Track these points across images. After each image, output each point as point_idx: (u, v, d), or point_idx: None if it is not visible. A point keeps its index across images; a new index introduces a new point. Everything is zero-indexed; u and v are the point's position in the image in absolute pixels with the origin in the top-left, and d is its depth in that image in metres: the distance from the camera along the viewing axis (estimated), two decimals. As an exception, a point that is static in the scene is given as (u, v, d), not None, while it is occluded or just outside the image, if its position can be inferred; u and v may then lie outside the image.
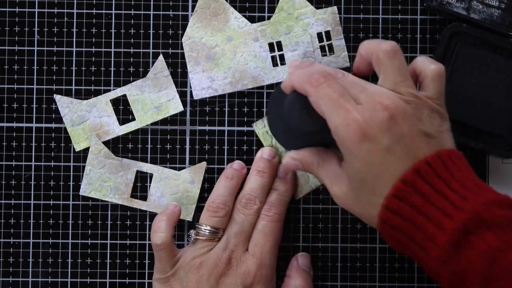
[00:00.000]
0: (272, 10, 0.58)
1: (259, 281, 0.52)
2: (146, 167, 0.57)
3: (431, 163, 0.43)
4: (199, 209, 0.57)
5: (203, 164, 0.57)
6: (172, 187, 0.57)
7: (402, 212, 0.43)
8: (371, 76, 0.54)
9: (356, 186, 0.46)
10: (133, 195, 0.57)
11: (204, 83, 0.57)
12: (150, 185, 0.57)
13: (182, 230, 0.58)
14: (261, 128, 0.57)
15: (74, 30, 0.58)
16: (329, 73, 0.46)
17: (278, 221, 0.54)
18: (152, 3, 0.58)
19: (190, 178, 0.57)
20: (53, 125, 0.58)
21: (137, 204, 0.57)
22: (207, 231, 0.53)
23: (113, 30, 0.58)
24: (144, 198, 0.57)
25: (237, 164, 0.57)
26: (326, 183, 0.49)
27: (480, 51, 0.55)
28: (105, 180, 0.57)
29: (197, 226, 0.54)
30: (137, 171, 0.57)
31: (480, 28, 0.55)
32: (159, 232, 0.53)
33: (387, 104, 0.44)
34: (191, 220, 0.57)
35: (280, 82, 0.53)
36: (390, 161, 0.43)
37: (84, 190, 0.57)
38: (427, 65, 0.48)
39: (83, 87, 0.58)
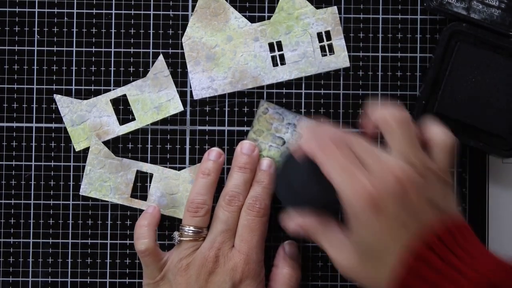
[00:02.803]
0: (272, 10, 0.58)
1: (247, 276, 0.52)
2: (146, 167, 0.57)
3: (442, 238, 0.43)
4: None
5: (203, 164, 0.57)
6: (172, 187, 0.57)
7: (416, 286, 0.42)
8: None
9: (361, 254, 0.45)
10: (133, 195, 0.57)
11: (204, 83, 0.57)
12: (150, 185, 0.57)
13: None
14: (262, 110, 0.57)
15: (74, 30, 0.58)
16: (341, 140, 0.46)
17: (264, 216, 0.54)
18: (152, 3, 0.58)
19: (190, 178, 0.57)
20: (53, 125, 0.58)
21: (137, 204, 0.57)
22: (191, 231, 0.53)
23: (113, 30, 0.58)
24: (144, 198, 0.57)
25: (214, 153, 0.56)
26: (329, 251, 0.48)
27: (480, 50, 0.55)
28: (105, 180, 0.57)
29: (181, 228, 0.54)
30: (137, 171, 0.57)
31: (480, 28, 0.55)
32: (142, 239, 0.54)
33: (398, 175, 0.44)
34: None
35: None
36: (397, 229, 0.43)
37: (84, 190, 0.57)
38: (439, 135, 0.47)
39: (83, 87, 0.58)
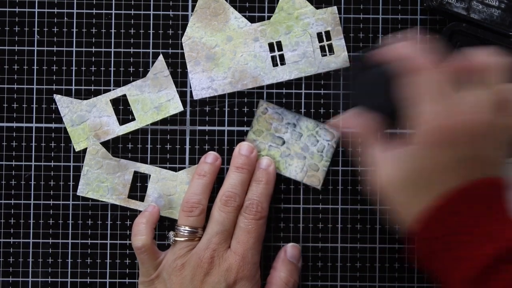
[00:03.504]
0: (272, 10, 0.58)
1: (242, 277, 0.52)
2: (144, 167, 0.57)
3: (489, 187, 0.43)
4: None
5: (202, 165, 0.57)
6: (170, 188, 0.57)
7: (447, 222, 0.43)
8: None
9: (412, 177, 0.45)
10: (132, 196, 0.57)
11: (204, 83, 0.57)
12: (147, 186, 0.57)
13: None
14: (261, 109, 0.57)
15: (74, 30, 0.58)
16: (440, 63, 0.45)
17: (261, 218, 0.54)
18: (152, 3, 0.58)
19: (187, 179, 0.57)
20: (53, 125, 0.58)
21: (134, 204, 0.57)
22: (186, 231, 0.53)
23: (113, 30, 0.58)
24: (143, 198, 0.57)
25: (211, 157, 0.56)
26: (377, 160, 0.47)
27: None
28: (102, 181, 0.57)
29: (176, 227, 0.54)
30: (135, 172, 0.57)
31: (480, 28, 0.55)
32: (139, 235, 0.54)
33: (481, 119, 0.43)
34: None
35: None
36: (458, 171, 0.43)
37: (82, 191, 0.57)
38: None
39: (83, 87, 0.58)
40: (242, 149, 0.56)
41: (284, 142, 0.57)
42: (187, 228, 0.54)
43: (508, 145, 0.46)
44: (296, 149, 0.57)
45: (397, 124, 0.47)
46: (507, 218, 0.43)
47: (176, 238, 0.54)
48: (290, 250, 0.56)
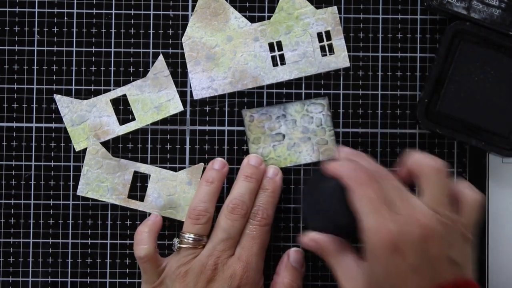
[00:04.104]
0: (272, 10, 0.58)
1: (246, 283, 0.52)
2: (144, 167, 0.57)
3: None
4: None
5: (201, 165, 0.57)
6: (169, 188, 0.57)
7: None
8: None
9: None
10: (132, 196, 0.57)
11: (204, 83, 0.57)
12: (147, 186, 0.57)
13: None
14: (247, 119, 0.57)
15: (74, 30, 0.58)
16: (375, 174, 0.46)
17: (266, 225, 0.54)
18: (152, 3, 0.58)
19: (187, 179, 0.57)
20: (53, 125, 0.58)
21: (134, 204, 0.57)
22: (191, 239, 0.53)
23: (113, 30, 0.58)
24: (143, 198, 0.57)
25: (218, 162, 0.56)
26: (339, 275, 0.49)
27: (483, 49, 0.55)
28: (102, 181, 0.57)
29: (181, 234, 0.54)
30: (135, 172, 0.57)
31: (483, 27, 0.55)
32: (142, 245, 0.53)
33: (424, 223, 0.44)
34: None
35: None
36: (413, 279, 0.43)
37: (81, 191, 0.57)
38: (470, 193, 0.48)
39: (83, 87, 0.58)
40: (251, 160, 0.56)
41: (284, 136, 0.57)
42: (192, 235, 0.53)
43: (472, 242, 0.47)
44: (298, 135, 0.57)
45: (356, 240, 0.47)
46: None
47: (181, 245, 0.53)
48: (293, 254, 0.56)
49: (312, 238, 0.51)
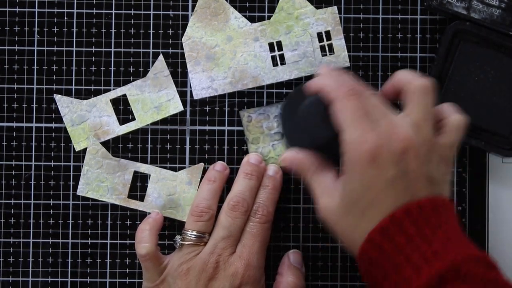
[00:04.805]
0: (272, 10, 0.58)
1: (247, 282, 0.52)
2: (144, 167, 0.57)
3: (423, 208, 0.43)
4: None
5: (201, 165, 0.57)
6: (169, 188, 0.57)
7: (384, 248, 0.43)
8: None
9: (347, 204, 0.45)
10: (132, 196, 0.57)
11: (204, 83, 0.57)
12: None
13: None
14: (245, 119, 0.57)
15: (74, 30, 0.58)
16: (358, 89, 0.46)
17: (266, 222, 0.54)
18: (152, 3, 0.58)
19: (187, 179, 0.57)
20: (53, 125, 0.58)
21: (134, 204, 0.57)
22: (193, 236, 0.53)
23: (113, 30, 0.58)
24: (143, 198, 0.57)
25: (220, 165, 0.56)
26: (316, 192, 0.49)
27: (483, 49, 0.55)
28: (102, 181, 0.57)
29: (183, 232, 0.54)
30: (135, 172, 0.57)
31: (483, 26, 0.55)
32: (143, 243, 0.53)
33: (404, 137, 0.44)
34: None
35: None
36: (389, 192, 0.44)
37: (81, 190, 0.57)
38: (453, 113, 0.48)
39: (83, 87, 0.58)
40: (251, 158, 0.56)
41: (283, 134, 0.57)
42: (194, 232, 0.53)
43: (452, 162, 0.47)
44: None
45: (337, 154, 0.47)
46: (452, 236, 0.43)
47: (183, 242, 0.53)
48: (293, 256, 0.57)
49: (291, 155, 0.50)
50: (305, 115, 0.50)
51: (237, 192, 0.54)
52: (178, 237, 0.54)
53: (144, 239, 0.54)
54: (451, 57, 0.55)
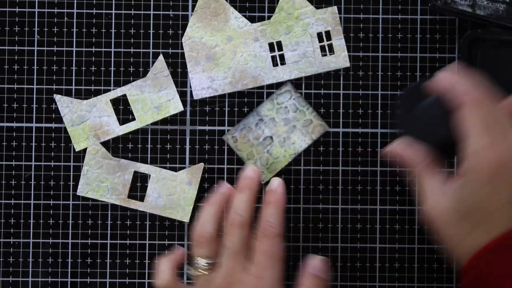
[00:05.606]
0: (272, 10, 0.57)
1: None
2: (144, 167, 0.57)
3: None
4: (196, 210, 0.57)
5: (201, 165, 0.57)
6: (170, 188, 0.57)
7: (505, 265, 0.42)
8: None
9: (461, 210, 0.44)
10: (132, 196, 0.57)
11: (204, 83, 0.57)
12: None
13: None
14: (231, 142, 0.57)
15: (74, 30, 0.58)
16: (489, 97, 0.45)
17: (276, 236, 0.51)
18: (152, 3, 0.58)
19: (187, 179, 0.57)
20: (53, 125, 0.58)
21: (134, 204, 0.57)
22: (202, 263, 0.51)
23: (113, 30, 0.58)
24: (143, 198, 0.57)
25: (224, 188, 0.54)
26: (425, 189, 0.47)
27: (501, 50, 0.54)
28: (102, 181, 0.57)
29: (194, 262, 0.52)
30: (135, 172, 0.57)
31: (487, 23, 0.54)
32: (162, 276, 0.52)
33: None
34: (188, 221, 0.57)
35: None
36: (506, 211, 0.43)
37: (81, 191, 0.57)
38: None
39: (83, 87, 0.58)
40: (244, 173, 0.54)
41: (271, 137, 0.57)
42: (203, 259, 0.51)
43: None
44: (283, 129, 0.57)
45: (451, 157, 0.46)
46: None
47: (195, 272, 0.52)
48: (313, 262, 0.52)
49: (406, 145, 0.49)
50: (426, 110, 0.49)
51: (232, 210, 0.52)
52: (190, 268, 0.52)
53: (163, 272, 0.52)
54: (474, 67, 0.54)
